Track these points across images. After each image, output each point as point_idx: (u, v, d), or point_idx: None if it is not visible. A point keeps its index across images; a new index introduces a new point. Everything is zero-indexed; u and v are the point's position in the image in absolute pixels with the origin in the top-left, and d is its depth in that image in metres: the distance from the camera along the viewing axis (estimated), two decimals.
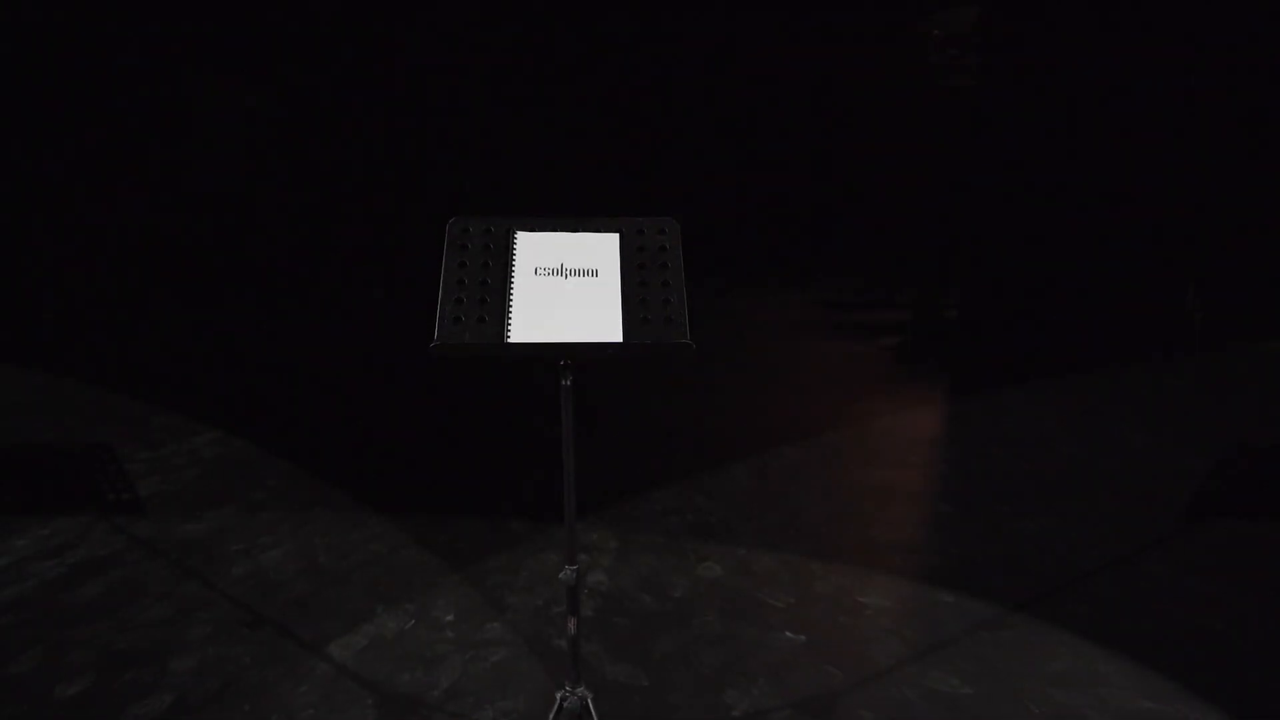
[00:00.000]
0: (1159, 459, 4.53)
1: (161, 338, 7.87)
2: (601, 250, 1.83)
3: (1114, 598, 3.02)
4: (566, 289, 1.77)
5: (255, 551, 3.47)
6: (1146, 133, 6.52)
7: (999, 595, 3.03)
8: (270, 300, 8.97)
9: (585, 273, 1.80)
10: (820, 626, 2.84)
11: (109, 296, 8.37)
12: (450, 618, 2.92)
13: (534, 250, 1.81)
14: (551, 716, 1.94)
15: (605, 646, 2.74)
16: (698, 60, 10.42)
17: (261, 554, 3.45)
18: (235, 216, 8.90)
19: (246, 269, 9.02)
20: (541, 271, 1.79)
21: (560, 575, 1.83)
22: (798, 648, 2.72)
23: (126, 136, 8.43)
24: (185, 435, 5.07)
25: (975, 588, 3.09)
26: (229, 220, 8.90)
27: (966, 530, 3.63)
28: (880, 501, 3.96)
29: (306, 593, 3.12)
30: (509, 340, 1.67)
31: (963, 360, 6.85)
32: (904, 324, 7.78)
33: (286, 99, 9.07)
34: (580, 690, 1.95)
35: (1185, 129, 6.47)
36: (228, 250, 8.93)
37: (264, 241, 9.01)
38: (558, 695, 1.96)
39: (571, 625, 1.85)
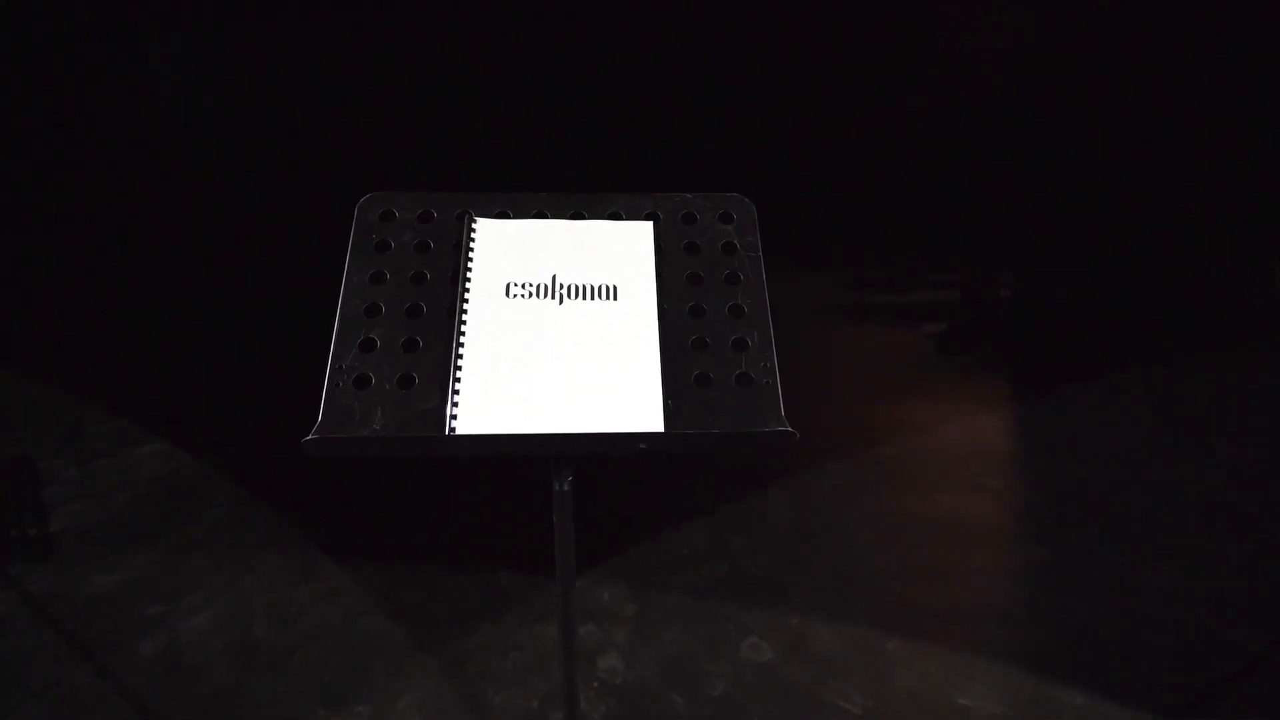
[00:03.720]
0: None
1: (118, 327, 7.12)
2: (624, 251, 1.05)
3: None
4: (561, 324, 0.99)
5: (174, 617, 2.74)
6: (1239, 83, 5.65)
7: (1142, 692, 2.29)
8: (241, 288, 8.19)
9: (595, 292, 1.02)
10: None
11: (59, 280, 7.61)
12: None
13: (505, 251, 1.03)
14: None
15: None
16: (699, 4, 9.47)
17: (182, 621, 2.72)
18: (199, 190, 8.10)
19: (211, 248, 8.23)
20: (518, 291, 1.01)
21: None
22: None
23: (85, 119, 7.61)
24: (125, 446, 4.33)
25: (1108, 681, 2.34)
26: (191, 193, 8.09)
27: (1075, 587, 2.88)
28: (957, 544, 3.21)
29: (229, 685, 2.40)
30: (453, 430, 0.90)
31: (1020, 351, 6.06)
32: (949, 307, 6.97)
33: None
34: None
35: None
36: (189, 227, 8.14)
37: (229, 218, 8.21)
38: None
39: None
